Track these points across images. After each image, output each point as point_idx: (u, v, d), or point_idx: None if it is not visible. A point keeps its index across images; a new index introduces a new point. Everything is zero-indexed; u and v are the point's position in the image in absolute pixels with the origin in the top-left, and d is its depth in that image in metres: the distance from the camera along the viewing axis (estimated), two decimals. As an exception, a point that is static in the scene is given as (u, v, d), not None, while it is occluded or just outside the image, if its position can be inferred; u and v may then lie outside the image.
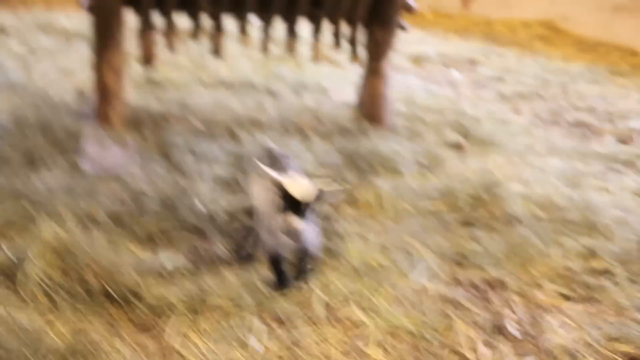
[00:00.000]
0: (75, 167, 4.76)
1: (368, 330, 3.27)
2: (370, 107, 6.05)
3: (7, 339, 2.97)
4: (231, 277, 3.59)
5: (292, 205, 3.26)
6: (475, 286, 3.77)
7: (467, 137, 5.99)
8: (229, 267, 3.71)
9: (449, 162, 5.35)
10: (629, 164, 5.87)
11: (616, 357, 3.21)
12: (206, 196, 4.44)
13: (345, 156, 5.28)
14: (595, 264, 4.00)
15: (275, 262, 3.53)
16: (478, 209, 4.57)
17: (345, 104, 6.57)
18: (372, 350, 3.14)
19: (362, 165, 5.16)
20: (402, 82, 7.53)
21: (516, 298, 3.67)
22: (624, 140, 6.50)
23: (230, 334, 3.17)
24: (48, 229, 3.64)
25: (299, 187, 3.32)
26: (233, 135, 5.58)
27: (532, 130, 6.57)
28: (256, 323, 3.24)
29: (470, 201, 4.65)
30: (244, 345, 3.10)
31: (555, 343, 3.26)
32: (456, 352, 3.17)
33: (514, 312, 3.54)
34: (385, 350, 3.15)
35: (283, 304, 3.39)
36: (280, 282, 3.52)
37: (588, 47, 10.11)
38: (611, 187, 5.28)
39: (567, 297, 3.74)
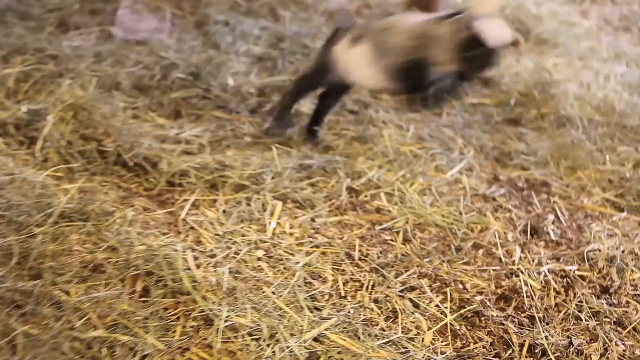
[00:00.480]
0: (107, 33, 4.52)
1: (393, 220, 3.04)
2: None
3: (18, 197, 2.82)
4: (255, 156, 3.36)
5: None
6: (516, 186, 3.49)
7: (526, 36, 5.53)
8: (253, 145, 3.50)
9: (503, 59, 4.94)
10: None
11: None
12: (239, 72, 4.18)
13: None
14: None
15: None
16: (528, 108, 4.22)
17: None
18: (393, 238, 2.93)
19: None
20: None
21: (561, 202, 3.38)
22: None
23: (246, 212, 2.98)
24: (70, 91, 3.44)
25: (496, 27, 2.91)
26: (275, 15, 5.23)
27: (599, 34, 6.05)
28: (275, 204, 3.03)
29: (521, 99, 4.30)
30: (258, 223, 2.91)
31: (597, 250, 2.99)
32: (485, 249, 2.93)
33: (556, 216, 3.27)
34: (408, 240, 2.93)
35: (307, 190, 3.17)
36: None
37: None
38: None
39: (617, 206, 3.44)
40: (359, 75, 3.28)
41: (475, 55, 2.88)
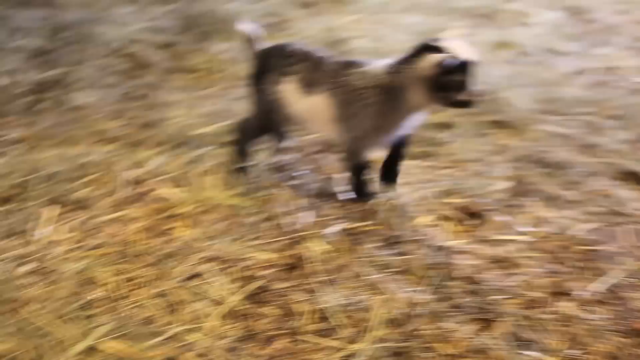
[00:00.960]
0: None
1: (177, 207, 2.91)
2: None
3: None
4: (25, 162, 3.12)
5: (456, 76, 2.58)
6: (309, 151, 3.46)
7: (321, -4, 5.55)
8: (28, 151, 3.25)
9: (295, 22, 4.93)
10: (490, 17, 5.64)
11: (447, 211, 3.02)
12: (11, 70, 3.87)
13: (181, 20, 4.76)
14: (435, 118, 3.76)
15: (360, 171, 2.98)
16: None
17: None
18: (178, 225, 2.81)
19: (199, 30, 4.66)
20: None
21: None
22: (486, -7, 6.22)
23: (8, 225, 2.74)
24: None
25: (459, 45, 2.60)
26: (52, 2, 4.91)
27: (393, -13, 6.18)
28: (42, 212, 2.81)
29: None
30: (25, 236, 2.69)
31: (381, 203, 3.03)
32: (273, 222, 2.87)
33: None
34: (193, 225, 2.82)
35: (85, 189, 2.97)
36: (364, 193, 3.03)
37: None
38: (470, 41, 5.01)
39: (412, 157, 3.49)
40: (314, 126, 3.03)
41: (451, 80, 2.57)
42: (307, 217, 2.91)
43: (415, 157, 3.43)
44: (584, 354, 2.40)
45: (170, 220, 2.85)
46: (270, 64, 2.96)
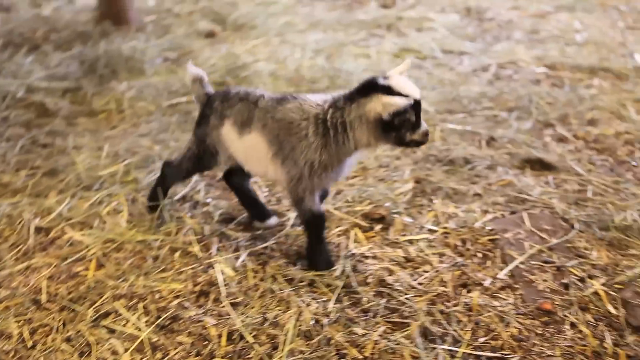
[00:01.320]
0: None
1: (85, 250, 2.91)
2: (111, 7, 5.47)
3: None
4: None
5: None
6: (216, 177, 3.49)
7: (223, 24, 5.61)
8: None
9: (200, 52, 4.97)
10: (390, 27, 5.80)
11: (354, 219, 3.09)
12: None
13: (85, 64, 4.75)
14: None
15: (317, 226, 2.77)
16: (225, 96, 4.25)
17: (88, 8, 5.93)
18: (86, 267, 2.81)
19: (102, 71, 4.66)
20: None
21: (260, 180, 3.44)
22: (386, 4, 6.40)
23: None
24: None
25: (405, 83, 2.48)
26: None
27: (296, 8, 6.30)
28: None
29: (218, 89, 4.32)
30: None
31: (287, 219, 3.08)
32: (182, 251, 2.89)
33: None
34: (101, 265, 2.82)
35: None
36: (324, 260, 2.80)
37: None
38: (371, 52, 5.16)
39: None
40: (254, 167, 2.84)
41: (404, 120, 2.48)
42: (214, 243, 2.94)
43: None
44: (492, 339, 2.50)
45: (79, 263, 2.84)
46: (212, 108, 2.89)
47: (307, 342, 2.41)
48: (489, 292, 2.74)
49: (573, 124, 4.23)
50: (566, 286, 2.79)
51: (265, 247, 2.90)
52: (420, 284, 2.75)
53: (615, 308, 2.67)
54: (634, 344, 2.49)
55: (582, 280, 2.82)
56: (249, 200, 3.06)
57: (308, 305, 2.57)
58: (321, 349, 2.38)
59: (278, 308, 2.56)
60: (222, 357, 2.35)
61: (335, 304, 2.59)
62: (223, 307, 2.58)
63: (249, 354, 2.37)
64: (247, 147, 2.76)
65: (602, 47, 5.37)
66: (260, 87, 4.28)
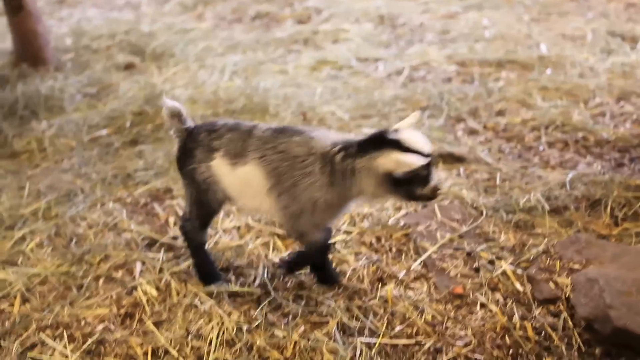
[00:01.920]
0: None
1: (8, 287, 2.95)
2: (27, 49, 5.49)
3: None
4: None
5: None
6: (138, 203, 3.57)
7: (142, 55, 5.68)
8: None
9: (119, 85, 5.03)
10: (307, 41, 5.95)
11: (272, 228, 3.20)
12: None
13: (3, 107, 4.76)
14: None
15: (325, 253, 2.79)
16: (144, 125, 4.34)
17: (4, 51, 5.93)
18: (10, 303, 2.85)
19: (22, 113, 4.69)
20: (74, 15, 7.03)
21: (183, 202, 3.52)
22: (302, 20, 6.57)
23: None
24: None
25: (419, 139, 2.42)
26: None
27: (214, 32, 6.40)
28: None
29: (136, 119, 4.40)
30: None
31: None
32: (105, 277, 2.96)
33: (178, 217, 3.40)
34: (26, 300, 2.87)
35: None
36: (332, 276, 2.86)
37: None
38: (289, 68, 5.29)
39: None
40: (248, 201, 2.70)
41: (415, 176, 2.41)
42: (137, 267, 3.02)
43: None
44: (407, 326, 2.63)
45: (4, 300, 2.88)
46: (196, 141, 2.69)
47: (230, 350, 2.51)
48: (403, 284, 2.88)
49: (483, 116, 4.43)
50: (476, 270, 2.95)
51: (188, 266, 2.99)
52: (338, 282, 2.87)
53: (523, 285, 2.84)
54: (540, 316, 2.66)
55: (491, 262, 2.99)
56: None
57: (230, 314, 2.66)
58: (243, 354, 2.49)
59: (201, 321, 2.65)
60: (148, 374, 2.43)
61: (256, 311, 2.70)
62: (148, 326, 2.66)
63: (176, 368, 2.45)
64: (241, 179, 2.61)
65: (509, 40, 5.62)
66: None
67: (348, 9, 6.64)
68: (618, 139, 4.01)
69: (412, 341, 2.56)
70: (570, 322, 2.59)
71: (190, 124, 2.76)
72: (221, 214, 3.30)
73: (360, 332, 2.60)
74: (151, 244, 3.20)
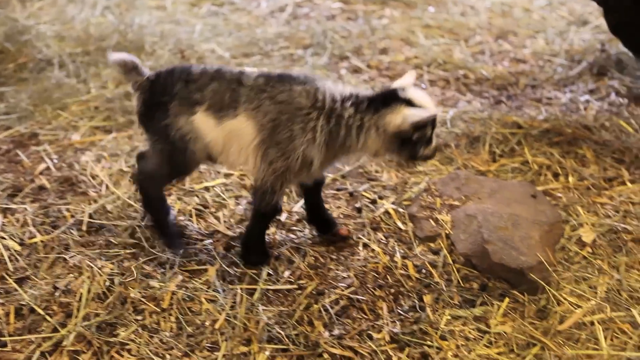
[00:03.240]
0: None
1: None
2: None
3: None
4: None
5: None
6: (2, 150, 3.29)
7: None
8: None
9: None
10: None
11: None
12: None
13: None
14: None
15: (267, 220, 2.56)
16: (6, 64, 3.98)
17: None
18: None
19: None
20: None
21: (50, 148, 3.27)
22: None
23: None
24: None
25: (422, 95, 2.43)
26: None
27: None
28: None
29: (-2, 58, 4.05)
30: None
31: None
32: None
33: (49, 165, 3.16)
34: None
35: None
36: (261, 252, 2.61)
37: None
38: (167, 4, 5.01)
39: (106, 130, 3.45)
40: (231, 157, 2.47)
41: (421, 135, 2.38)
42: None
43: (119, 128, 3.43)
44: (289, 270, 2.57)
45: None
46: (169, 94, 2.42)
47: (103, 304, 2.37)
48: (285, 227, 2.82)
49: (366, 55, 4.38)
50: (359, 210, 2.92)
51: (57, 217, 2.79)
52: (210, 231, 2.76)
53: (404, 223, 2.83)
54: (420, 254, 2.67)
55: (373, 202, 2.97)
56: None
57: (101, 268, 2.50)
58: (117, 308, 2.35)
59: (70, 275, 2.48)
60: (12, 335, 2.25)
61: (130, 262, 2.55)
62: (10, 284, 2.46)
63: (41, 326, 2.28)
64: (227, 133, 2.40)
65: (393, -23, 5.56)
66: (44, 50, 4.04)
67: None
68: (496, 76, 4.06)
69: (295, 286, 2.51)
70: (449, 259, 2.61)
71: (149, 73, 2.50)
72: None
73: (241, 279, 2.52)
74: (14, 194, 2.96)
